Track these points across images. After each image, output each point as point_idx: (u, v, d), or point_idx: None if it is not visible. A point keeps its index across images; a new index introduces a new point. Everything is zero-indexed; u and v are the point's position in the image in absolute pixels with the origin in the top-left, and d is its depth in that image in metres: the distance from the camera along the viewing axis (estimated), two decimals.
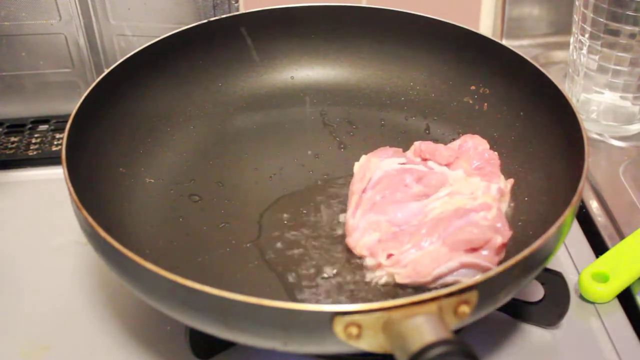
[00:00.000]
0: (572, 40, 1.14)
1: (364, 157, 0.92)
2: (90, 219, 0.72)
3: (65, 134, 0.82)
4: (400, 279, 0.78)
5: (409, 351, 0.58)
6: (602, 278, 0.87)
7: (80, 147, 0.83)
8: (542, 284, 0.84)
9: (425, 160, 0.91)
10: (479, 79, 1.02)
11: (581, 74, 1.12)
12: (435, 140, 0.94)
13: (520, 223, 0.86)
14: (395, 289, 0.79)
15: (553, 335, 0.84)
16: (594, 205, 1.00)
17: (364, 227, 0.83)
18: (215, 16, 1.13)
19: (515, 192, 0.89)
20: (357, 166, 0.92)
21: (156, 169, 0.94)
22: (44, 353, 0.83)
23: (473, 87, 1.02)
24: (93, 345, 0.84)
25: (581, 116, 0.83)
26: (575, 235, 0.97)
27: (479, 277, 0.65)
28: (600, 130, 1.13)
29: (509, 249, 0.80)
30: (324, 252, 0.84)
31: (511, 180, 0.89)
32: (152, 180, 0.93)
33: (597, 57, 1.08)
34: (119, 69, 0.94)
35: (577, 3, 1.09)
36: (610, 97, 1.11)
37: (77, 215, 0.75)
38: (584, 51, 1.10)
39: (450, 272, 0.78)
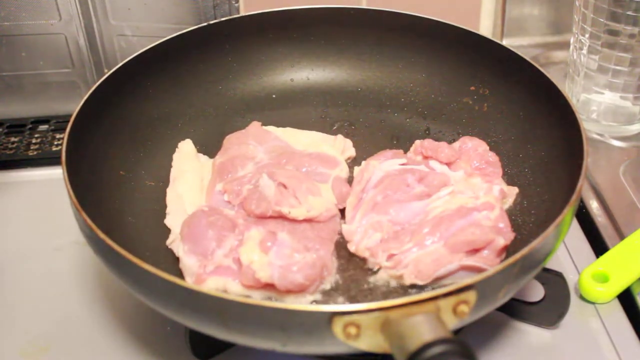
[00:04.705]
0: (572, 40, 1.14)
1: (364, 163, 0.92)
2: (89, 221, 0.72)
3: (65, 136, 0.82)
4: (404, 280, 0.78)
5: (408, 350, 0.58)
6: (602, 278, 0.87)
7: (80, 149, 0.84)
8: (543, 284, 0.84)
9: (426, 158, 0.91)
10: (479, 79, 1.02)
11: (581, 74, 1.12)
12: (435, 141, 0.94)
13: (519, 222, 0.86)
14: (396, 289, 0.79)
15: (553, 335, 0.84)
16: (594, 205, 1.00)
17: (365, 229, 0.83)
18: (215, 16, 1.13)
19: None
20: (357, 170, 0.92)
21: (156, 172, 0.94)
22: (44, 353, 0.83)
23: (473, 88, 1.02)
24: (93, 345, 0.84)
25: (581, 116, 0.84)
26: (575, 235, 0.97)
27: (477, 277, 0.65)
28: (601, 130, 1.13)
29: (508, 248, 0.80)
30: None
31: (516, 189, 0.89)
32: (152, 183, 0.93)
33: (597, 57, 1.09)
34: (119, 72, 0.94)
35: (577, 3, 1.09)
36: (610, 97, 1.11)
37: (76, 217, 0.75)
38: (584, 51, 1.10)
39: (450, 274, 0.78)
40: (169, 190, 0.90)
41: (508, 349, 0.82)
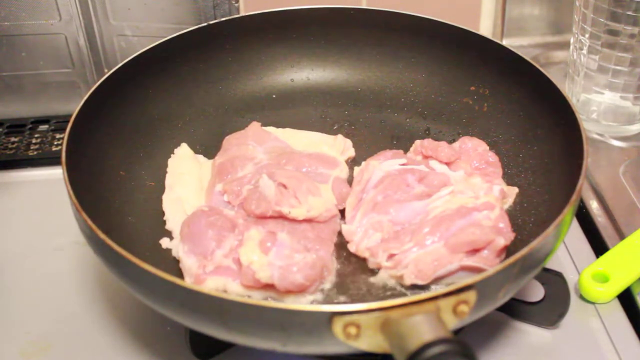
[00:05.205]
0: (572, 40, 1.14)
1: (364, 163, 0.92)
2: (89, 222, 0.72)
3: (65, 137, 0.82)
4: (404, 280, 0.78)
5: (407, 350, 0.58)
6: (602, 278, 0.87)
7: (80, 149, 0.84)
8: (543, 284, 0.84)
9: (426, 157, 0.91)
10: (479, 79, 1.02)
11: (581, 74, 1.12)
12: (435, 141, 0.94)
13: (519, 222, 0.86)
14: (396, 289, 0.79)
15: (553, 335, 0.84)
16: (594, 205, 1.00)
17: (365, 228, 0.83)
18: (215, 16, 1.13)
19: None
20: (357, 170, 0.92)
21: (156, 172, 0.94)
22: (44, 353, 0.83)
23: (473, 88, 1.02)
24: (93, 345, 0.84)
25: (581, 116, 0.83)
26: (575, 235, 0.97)
27: (477, 277, 0.65)
28: (601, 130, 1.13)
29: (508, 248, 0.80)
30: None
31: (516, 189, 0.89)
32: (153, 183, 0.93)
33: (597, 57, 1.08)
34: (119, 72, 0.94)
35: (577, 3, 1.09)
36: (610, 97, 1.11)
37: (76, 217, 0.75)
38: (584, 51, 1.10)
39: (450, 274, 0.78)
40: (164, 197, 0.90)
41: (508, 349, 0.82)
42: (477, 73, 1.02)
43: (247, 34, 1.06)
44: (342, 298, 0.78)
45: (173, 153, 0.96)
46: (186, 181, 0.91)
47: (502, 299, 0.70)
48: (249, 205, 0.84)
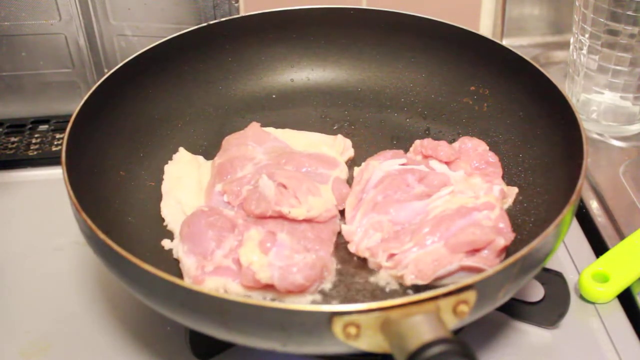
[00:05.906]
0: (572, 40, 1.14)
1: (364, 163, 0.92)
2: (89, 221, 0.72)
3: (65, 137, 0.82)
4: (404, 280, 0.78)
5: (407, 350, 0.58)
6: (602, 278, 0.87)
7: (80, 149, 0.84)
8: (543, 284, 0.84)
9: (426, 157, 0.91)
10: (479, 79, 1.02)
11: (581, 74, 1.12)
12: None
13: (519, 222, 0.86)
14: (396, 289, 0.79)
15: (553, 335, 0.84)
16: (594, 205, 1.00)
17: (365, 229, 0.83)
18: (215, 16, 1.13)
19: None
20: (357, 171, 0.92)
21: (156, 172, 0.94)
22: (44, 353, 0.83)
23: (473, 88, 1.02)
24: (93, 345, 0.84)
25: (581, 116, 0.83)
26: (575, 235, 0.97)
27: (477, 276, 0.65)
28: (601, 130, 1.13)
29: (508, 248, 0.80)
30: None
31: (516, 189, 0.89)
32: (153, 183, 0.93)
33: (597, 57, 1.08)
34: (119, 72, 0.94)
35: (577, 3, 1.09)
36: (610, 97, 1.11)
37: (76, 217, 0.75)
38: (584, 51, 1.10)
39: (450, 274, 0.78)
40: (162, 204, 0.90)
41: (508, 349, 0.82)
42: (477, 73, 1.02)
43: (247, 34, 1.06)
44: (342, 298, 0.78)
45: (171, 159, 0.96)
46: (184, 184, 0.91)
47: (502, 299, 0.70)
48: (249, 205, 0.84)
